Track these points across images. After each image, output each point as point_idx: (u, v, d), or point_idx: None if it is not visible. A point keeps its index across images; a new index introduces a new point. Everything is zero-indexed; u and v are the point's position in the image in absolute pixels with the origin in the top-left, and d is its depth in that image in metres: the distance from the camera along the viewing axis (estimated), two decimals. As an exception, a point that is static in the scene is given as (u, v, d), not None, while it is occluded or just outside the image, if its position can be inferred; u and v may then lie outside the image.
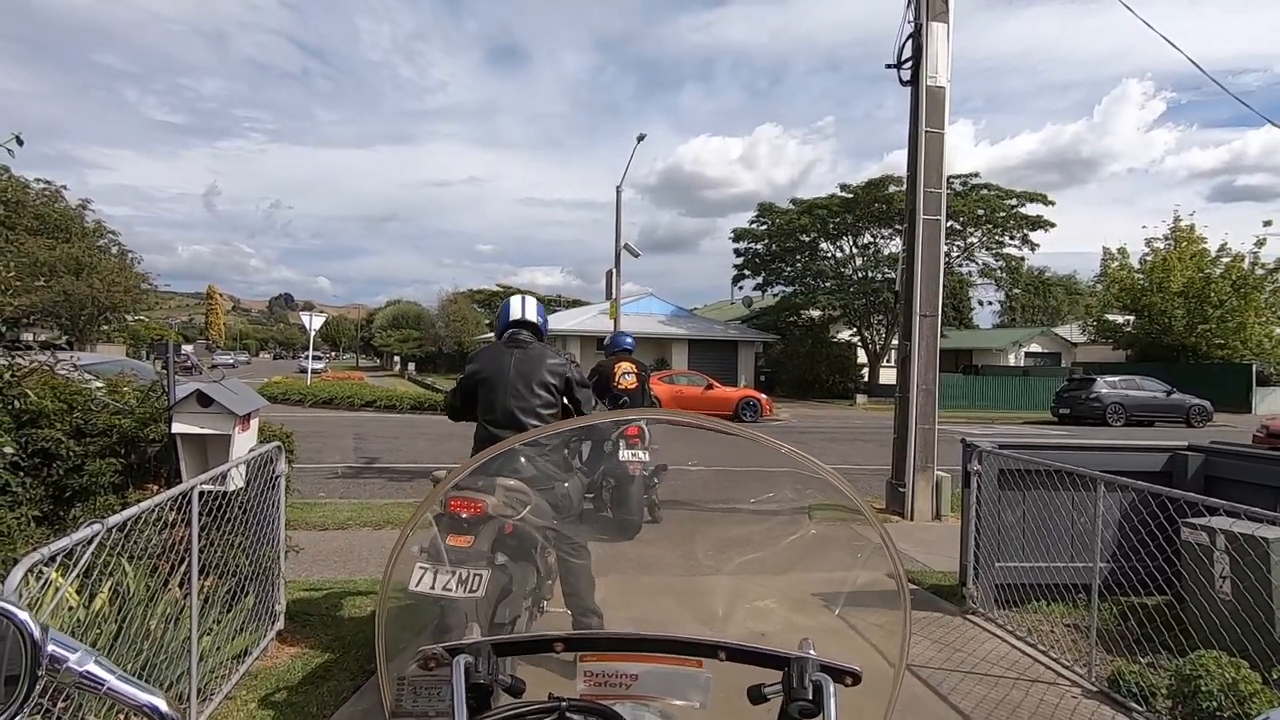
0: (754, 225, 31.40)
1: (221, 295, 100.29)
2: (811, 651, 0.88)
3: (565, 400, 3.16)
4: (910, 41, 7.26)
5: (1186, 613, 3.61)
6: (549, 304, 56.55)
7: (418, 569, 2.07)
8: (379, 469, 9.68)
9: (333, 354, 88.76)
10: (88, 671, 0.71)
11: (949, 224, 30.92)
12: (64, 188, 43.73)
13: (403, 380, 34.86)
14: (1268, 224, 30.83)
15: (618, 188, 20.63)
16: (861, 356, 31.33)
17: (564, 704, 0.81)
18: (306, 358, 32.49)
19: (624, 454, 4.87)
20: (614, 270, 20.54)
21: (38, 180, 42.91)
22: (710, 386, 18.58)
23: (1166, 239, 28.85)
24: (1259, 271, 26.75)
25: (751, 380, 30.83)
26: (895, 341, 31.93)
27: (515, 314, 3.29)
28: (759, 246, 31.54)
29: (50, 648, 0.69)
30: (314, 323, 23.35)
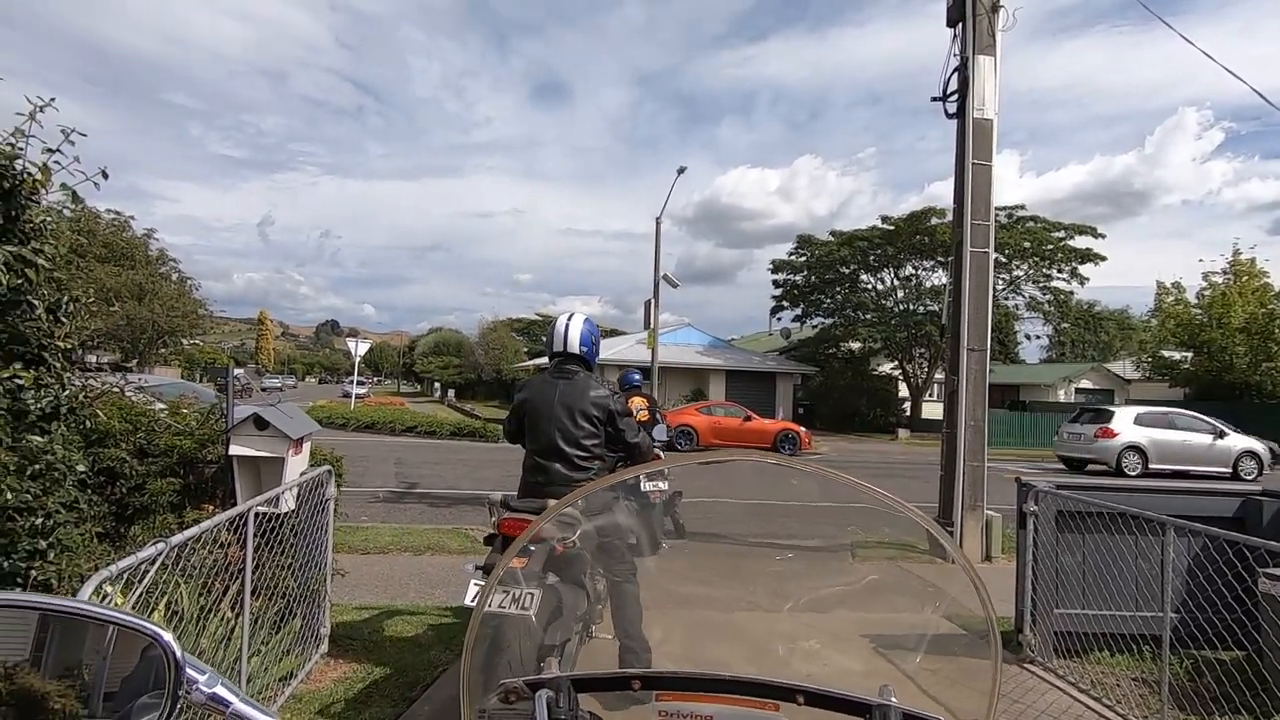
0: (793, 257, 31.33)
1: (271, 321, 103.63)
2: (893, 700, 0.85)
3: (609, 430, 3.23)
4: (956, 75, 7.23)
5: (1269, 670, 3.38)
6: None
7: (472, 585, 2.14)
8: (419, 494, 9.78)
9: (376, 379, 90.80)
10: (215, 693, 0.73)
11: (994, 256, 30.33)
12: (131, 218, 46.30)
13: (443, 406, 35.40)
14: None
15: (657, 219, 20.86)
16: (903, 390, 30.72)
17: None
18: (351, 383, 33.32)
19: (645, 485, 4.68)
20: (652, 300, 20.66)
21: (108, 211, 45.63)
22: (748, 418, 18.40)
23: (1225, 273, 27.79)
24: (1328, 307, 25.52)
25: (789, 413, 30.44)
26: (939, 375, 31.45)
27: (559, 345, 3.32)
28: (798, 278, 31.41)
29: (185, 669, 0.71)
30: (359, 349, 23.93)
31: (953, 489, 6.99)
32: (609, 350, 31.59)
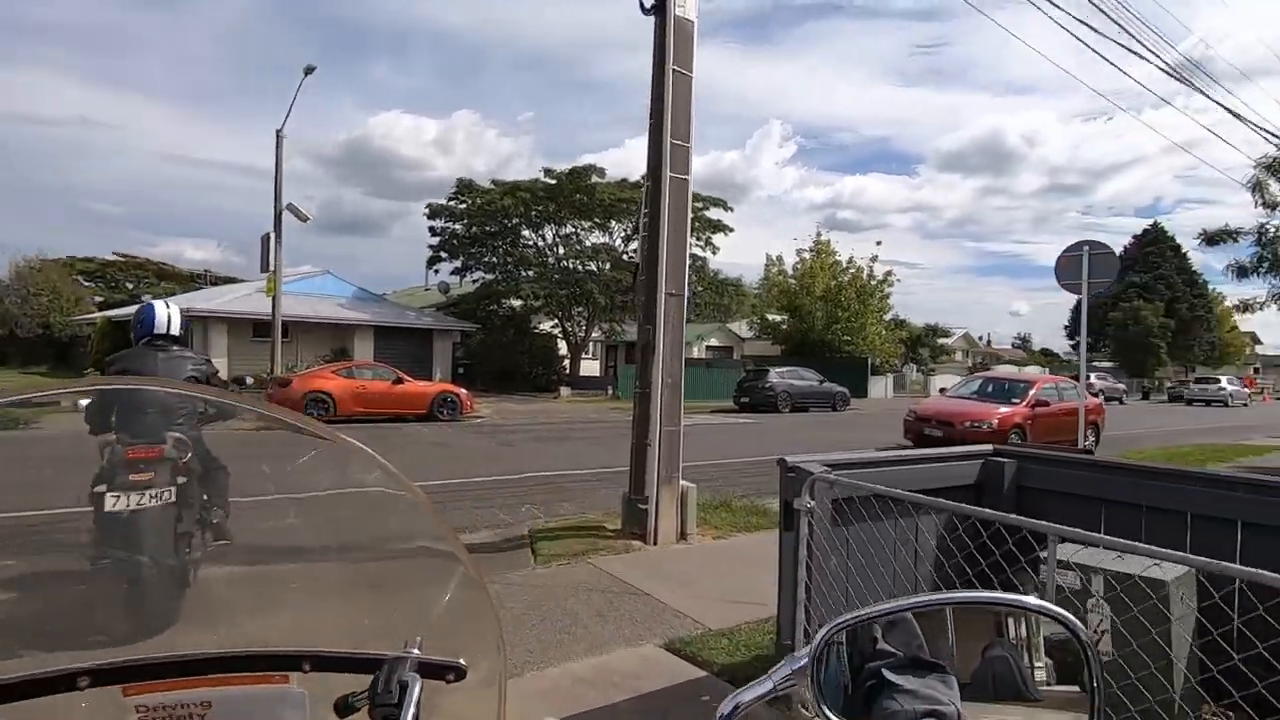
0: (452, 203, 28.74)
1: None
2: (415, 650, 0.80)
3: None
4: (656, -40, 5.94)
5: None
6: (194, 280, 45.91)
7: (109, 497, 2.77)
8: None
9: None
10: None
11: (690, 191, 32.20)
12: None
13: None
14: (879, 244, 38.39)
15: (278, 131, 16.44)
16: (563, 348, 30.91)
17: None
18: None
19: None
20: (272, 234, 16.35)
21: None
22: (400, 381, 15.77)
23: (811, 250, 33.96)
24: (873, 282, 32.96)
25: (449, 373, 28.19)
26: (596, 334, 32.44)
27: (162, 328, 3.82)
28: (458, 227, 28.97)
29: None
30: None
31: (645, 459, 5.89)
32: (216, 300, 25.09)
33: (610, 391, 26.40)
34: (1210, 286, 53.00)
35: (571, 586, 4.63)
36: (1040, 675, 0.68)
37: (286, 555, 1.07)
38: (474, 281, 30.87)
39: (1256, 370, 66.39)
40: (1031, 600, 0.72)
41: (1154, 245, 53.99)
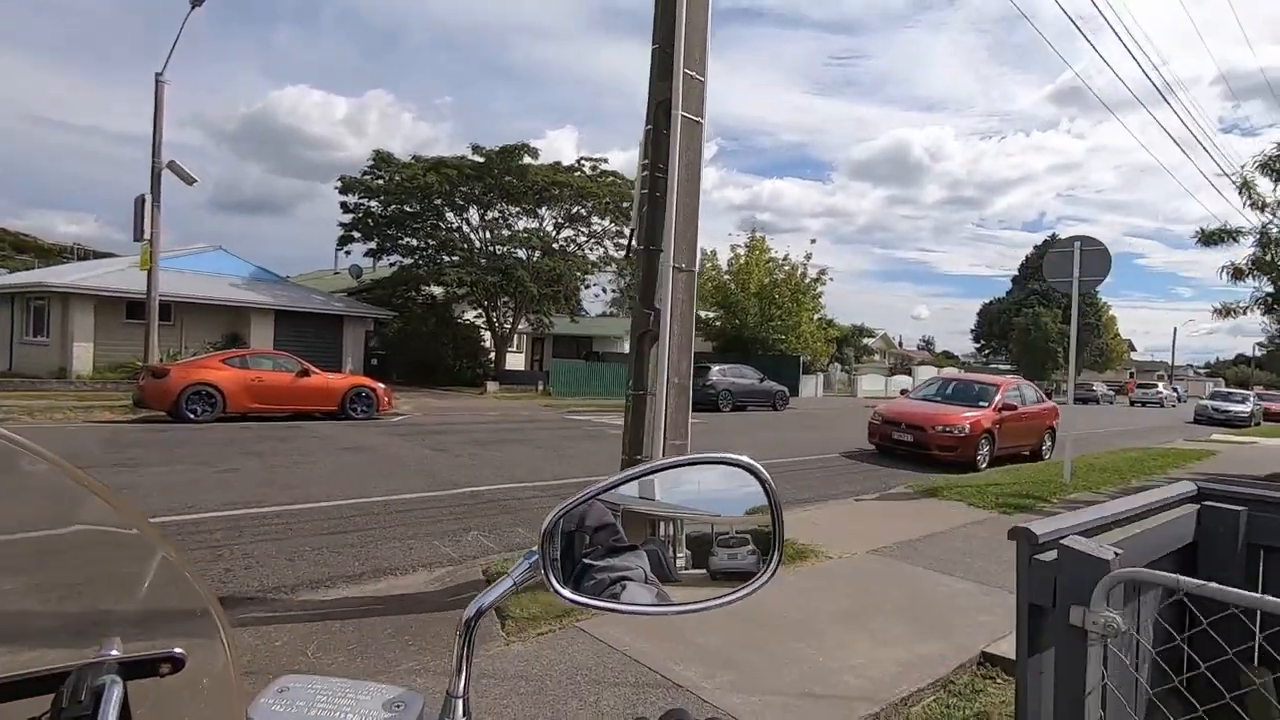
0: (367, 177, 26.15)
1: None
2: (114, 651, 0.70)
3: None
4: None
5: None
6: (61, 256, 40.46)
7: None
8: None
9: None
10: None
11: (576, 208, 30.72)
12: None
13: None
14: (814, 242, 38.37)
15: (157, 74, 13.83)
16: (487, 340, 28.93)
17: None
18: None
19: None
20: (148, 196, 13.77)
21: None
22: (305, 373, 13.64)
23: (746, 246, 33.40)
24: (806, 280, 32.76)
25: (360, 364, 25.69)
26: (522, 325, 30.58)
27: None
28: (374, 204, 26.41)
29: None
30: None
31: (641, 481, 4.53)
32: (78, 274, 21.64)
33: (540, 387, 24.77)
34: (1098, 296, 57.05)
35: (567, 676, 3.23)
36: (680, 562, 0.87)
37: None
38: (391, 265, 28.37)
39: (1132, 374, 72.15)
40: (718, 455, 0.88)
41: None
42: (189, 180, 14.33)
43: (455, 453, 10.24)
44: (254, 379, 12.95)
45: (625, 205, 28.24)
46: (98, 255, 35.82)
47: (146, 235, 13.93)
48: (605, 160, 28.36)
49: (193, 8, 13.07)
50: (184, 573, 0.79)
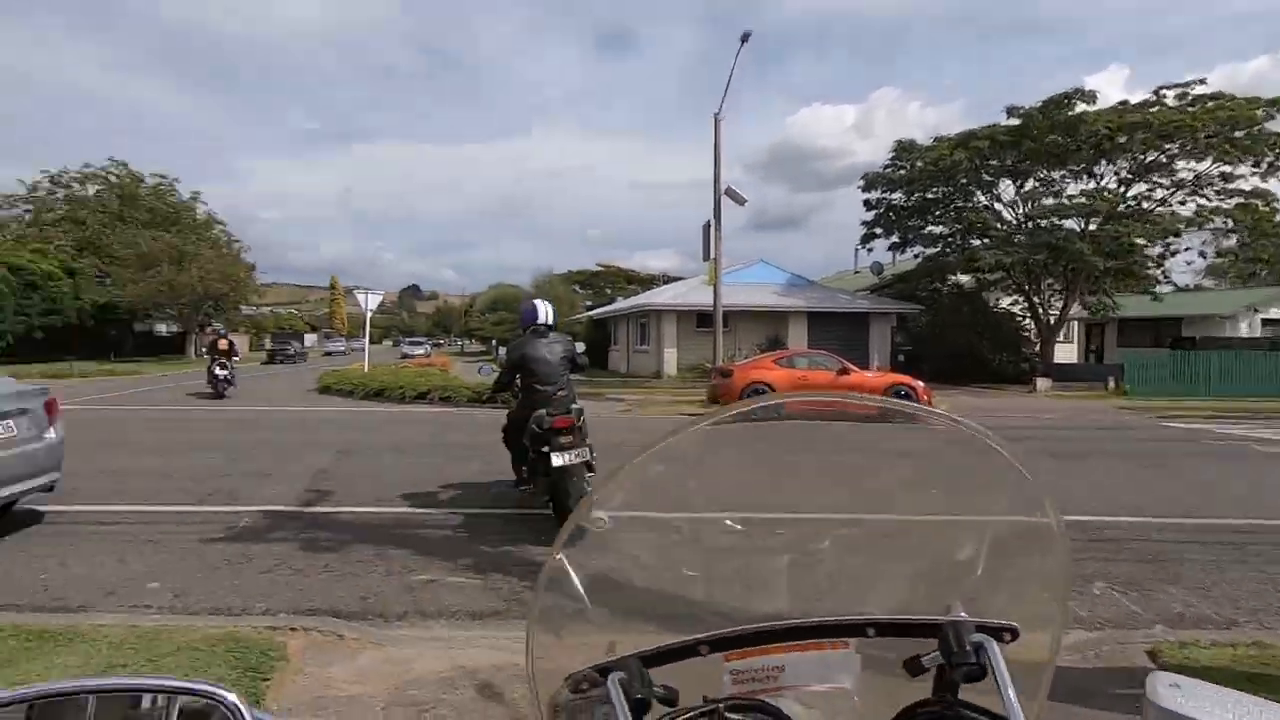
0: (889, 170, 25.63)
1: (341, 287, 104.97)
2: (962, 614, 0.84)
3: (574, 363, 5.37)
4: None
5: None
6: (654, 282, 52.61)
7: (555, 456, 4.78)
8: (313, 515, 5.93)
9: (442, 340, 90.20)
10: None
11: (1151, 155, 23.38)
12: (176, 180, 45.05)
13: (493, 363, 32.46)
14: None
15: (715, 115, 16.08)
16: (1029, 329, 24.97)
17: (721, 705, 0.82)
18: (409, 343, 30.51)
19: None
20: (712, 221, 16.08)
21: (153, 175, 44.34)
22: (844, 370, 13.82)
23: None
24: None
25: (886, 360, 25.36)
26: (1075, 310, 25.27)
27: (542, 319, 5.36)
28: (895, 196, 25.75)
29: None
30: (370, 303, 20.59)
31: None
32: (662, 296, 27.18)
33: (1112, 384, 19.93)
34: None
35: None
36: None
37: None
38: (915, 256, 27.25)
39: None
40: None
41: None
42: (740, 201, 16.22)
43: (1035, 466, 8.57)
44: (800, 377, 13.74)
45: (1238, 135, 20.53)
46: (678, 279, 45.16)
47: (711, 255, 16.33)
48: (1201, 81, 21.20)
49: (742, 44, 14.73)
50: (1068, 569, 0.90)
